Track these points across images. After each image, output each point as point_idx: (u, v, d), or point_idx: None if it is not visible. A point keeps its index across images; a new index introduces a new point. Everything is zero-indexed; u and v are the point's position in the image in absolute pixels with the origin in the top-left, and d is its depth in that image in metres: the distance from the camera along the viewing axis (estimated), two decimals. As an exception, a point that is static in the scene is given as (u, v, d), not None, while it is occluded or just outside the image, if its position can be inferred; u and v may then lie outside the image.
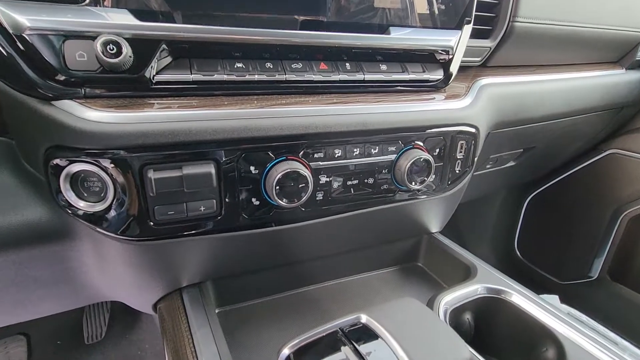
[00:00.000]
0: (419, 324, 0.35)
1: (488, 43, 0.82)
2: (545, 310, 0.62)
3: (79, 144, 0.47)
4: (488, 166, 1.08)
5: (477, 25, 0.76)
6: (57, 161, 0.48)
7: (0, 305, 0.65)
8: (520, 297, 0.65)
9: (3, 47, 0.45)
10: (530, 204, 1.65)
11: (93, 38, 0.46)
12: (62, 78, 0.47)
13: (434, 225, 0.86)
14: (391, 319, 0.35)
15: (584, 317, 0.65)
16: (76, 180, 0.50)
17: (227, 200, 0.56)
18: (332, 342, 0.33)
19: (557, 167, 1.48)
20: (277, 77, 0.58)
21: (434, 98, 0.70)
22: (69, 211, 0.51)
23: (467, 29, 0.69)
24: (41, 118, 0.48)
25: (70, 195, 0.50)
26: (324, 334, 0.34)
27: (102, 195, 0.51)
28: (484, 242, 1.73)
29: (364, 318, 0.35)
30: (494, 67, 0.90)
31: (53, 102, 0.48)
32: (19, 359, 1.00)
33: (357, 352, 0.32)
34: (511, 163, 1.17)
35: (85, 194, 0.51)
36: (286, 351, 0.33)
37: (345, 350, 0.32)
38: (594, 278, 1.47)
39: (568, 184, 1.50)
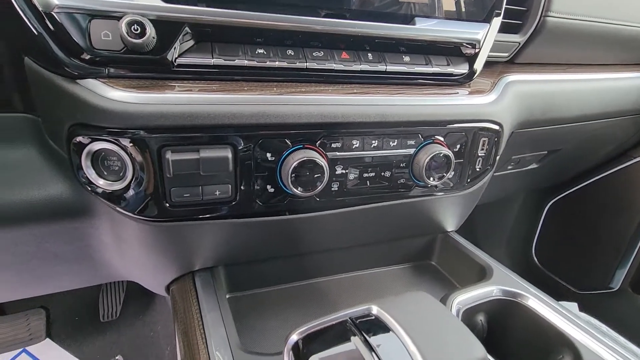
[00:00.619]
0: (431, 319, 0.35)
1: (517, 38, 0.79)
2: (563, 316, 0.60)
3: (101, 123, 0.48)
4: (509, 167, 1.04)
5: (507, 18, 0.73)
6: (79, 139, 0.49)
7: (23, 278, 0.68)
8: (538, 302, 0.63)
9: (32, 25, 0.46)
10: (551, 209, 1.59)
11: (118, 18, 0.47)
12: (87, 57, 0.48)
13: (450, 224, 0.84)
14: (403, 312, 0.34)
15: (604, 327, 0.62)
16: (97, 159, 0.51)
17: (242, 186, 0.56)
18: (341, 332, 0.33)
19: (581, 172, 1.43)
20: (298, 64, 0.57)
21: (457, 93, 0.68)
22: (89, 188, 0.52)
23: (496, 22, 0.67)
24: (66, 96, 0.49)
25: (90, 173, 0.51)
26: (334, 323, 0.34)
27: (121, 174, 0.51)
28: (500, 245, 1.68)
29: (375, 309, 0.35)
30: (522, 64, 0.86)
31: (78, 81, 0.49)
32: (39, 331, 1.05)
33: (367, 343, 0.31)
34: (534, 165, 1.13)
35: (105, 173, 0.52)
36: (294, 337, 0.33)
37: (355, 340, 0.32)
38: (615, 289, 1.41)
39: (593, 191, 1.44)
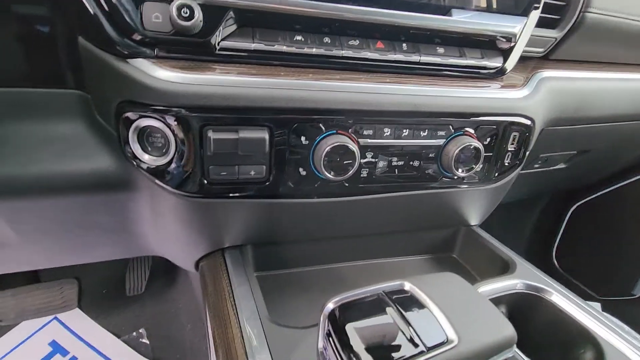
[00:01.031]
0: (462, 298, 0.36)
1: (554, 33, 0.78)
2: (586, 312, 0.60)
3: (148, 100, 0.51)
4: (536, 165, 1.03)
5: (545, 13, 0.72)
6: (127, 115, 0.52)
7: (65, 246, 0.72)
8: (561, 298, 0.63)
9: (89, 6, 0.49)
10: (576, 212, 1.56)
11: (169, 1, 0.49)
12: (138, 37, 0.51)
13: (474, 217, 0.84)
14: (435, 289, 0.36)
15: (626, 328, 0.62)
16: (142, 135, 0.54)
17: (276, 167, 0.58)
18: (376, 303, 0.35)
19: (609, 176, 1.39)
20: (334, 52, 0.59)
21: (490, 86, 0.68)
22: (134, 163, 0.55)
23: (534, 16, 0.66)
24: (116, 74, 0.52)
25: (136, 148, 0.54)
26: (368, 295, 0.35)
27: (164, 150, 0.54)
28: (519, 246, 1.66)
29: (408, 285, 0.36)
30: (556, 61, 0.85)
31: (128, 60, 0.52)
32: (71, 300, 1.11)
33: (402, 316, 0.33)
34: (561, 165, 1.11)
35: (150, 148, 0.55)
36: (331, 305, 0.34)
37: (390, 311, 0.33)
38: (637, 296, 1.38)
39: (619, 196, 1.40)
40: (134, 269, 1.35)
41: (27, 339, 1.24)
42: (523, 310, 0.65)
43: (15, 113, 0.55)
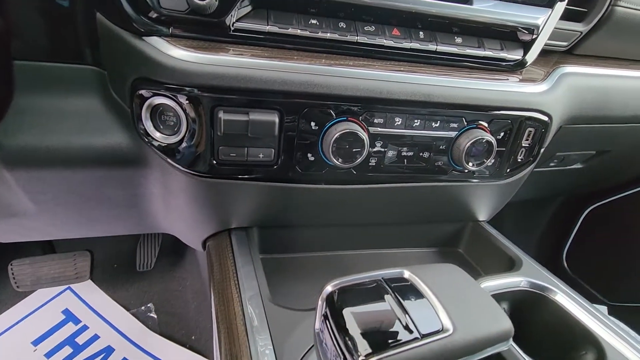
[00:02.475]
0: (461, 290, 0.36)
1: (580, 27, 0.75)
2: (590, 314, 0.59)
3: (162, 78, 0.52)
4: (552, 164, 1.01)
5: (571, 5, 0.70)
6: (141, 92, 0.53)
7: (80, 218, 0.75)
8: (566, 298, 0.62)
9: (107, -19, 0.50)
10: (590, 215, 1.52)
11: (185, -21, 0.49)
12: (154, 15, 0.51)
13: (483, 213, 0.83)
14: (434, 279, 0.36)
15: (632, 333, 0.61)
16: (155, 113, 0.55)
17: (284, 151, 0.58)
18: (374, 289, 0.35)
19: (628, 179, 1.35)
20: (349, 37, 0.58)
21: (507, 79, 0.67)
22: (146, 140, 0.56)
23: (559, 7, 0.64)
24: (132, 51, 0.53)
25: (148, 125, 0.55)
26: (367, 280, 0.36)
27: (176, 129, 0.55)
28: (530, 245, 1.64)
29: (407, 274, 0.36)
30: (580, 56, 0.82)
31: (144, 38, 0.53)
32: (84, 271, 1.15)
33: (400, 304, 0.33)
34: (578, 165, 1.08)
35: (162, 127, 0.55)
36: (329, 288, 0.35)
37: (389, 299, 0.34)
38: (648, 304, 1.35)
39: (637, 201, 1.36)
40: (144, 245, 1.39)
41: (42, 305, 1.29)
42: (526, 308, 0.65)
43: (35, 86, 0.56)
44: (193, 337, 1.27)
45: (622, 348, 0.54)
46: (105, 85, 0.59)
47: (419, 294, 0.34)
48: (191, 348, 1.24)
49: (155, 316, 1.31)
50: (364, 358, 0.29)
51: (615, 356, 0.53)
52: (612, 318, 0.61)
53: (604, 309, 1.01)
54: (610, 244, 1.45)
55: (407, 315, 0.33)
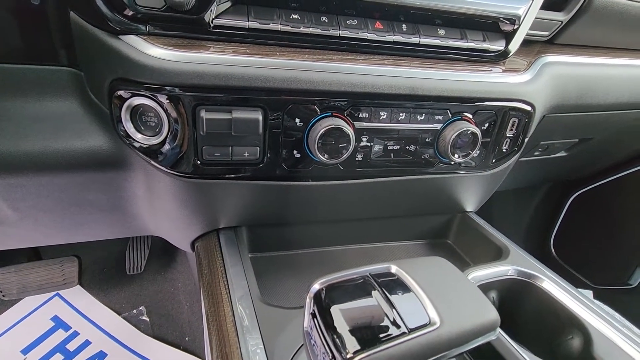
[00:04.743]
0: (448, 282, 0.36)
1: (560, 16, 0.75)
2: (576, 299, 0.60)
3: (140, 78, 0.50)
4: (536, 153, 1.02)
5: (551, -6, 0.70)
6: (120, 93, 0.52)
7: (62, 224, 0.73)
8: (552, 285, 0.64)
9: (80, -21, 0.48)
10: (575, 202, 1.56)
11: (160, -25, 0.48)
12: (129, 13, 0.50)
13: (470, 204, 0.84)
14: (420, 273, 0.36)
15: (617, 315, 0.62)
16: (135, 114, 0.53)
17: (270, 149, 0.58)
18: (362, 285, 0.35)
19: (610, 166, 1.38)
20: (331, 32, 0.58)
21: (491, 70, 0.67)
22: (127, 141, 0.55)
23: (540, -3, 0.64)
24: (109, 51, 0.51)
25: (129, 127, 0.53)
26: (355, 277, 0.35)
27: (158, 130, 0.54)
28: (517, 234, 1.67)
29: (394, 269, 0.36)
30: (561, 45, 0.83)
31: (120, 37, 0.51)
32: (72, 277, 1.13)
33: (387, 299, 0.33)
34: (562, 153, 1.10)
35: (143, 128, 0.54)
36: (317, 286, 0.35)
37: (376, 294, 0.34)
38: (632, 286, 1.39)
39: (619, 186, 1.39)
40: (134, 248, 1.37)
41: (30, 313, 1.27)
42: (514, 296, 0.66)
43: (7, 89, 0.54)
44: (187, 339, 1.26)
45: (607, 331, 0.56)
46: (83, 86, 0.58)
47: (406, 289, 0.35)
48: (185, 349, 1.23)
49: (148, 319, 1.30)
50: (352, 355, 0.29)
51: (600, 339, 0.55)
52: (597, 302, 0.62)
53: (589, 293, 1.04)
54: (595, 228, 1.49)
55: (394, 310, 0.33)
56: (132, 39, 0.51)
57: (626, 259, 1.37)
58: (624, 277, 1.38)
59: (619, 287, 1.40)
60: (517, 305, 0.65)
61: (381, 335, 0.31)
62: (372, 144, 0.62)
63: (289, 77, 0.54)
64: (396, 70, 0.59)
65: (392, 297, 0.34)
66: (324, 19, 0.57)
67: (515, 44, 0.67)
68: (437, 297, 0.34)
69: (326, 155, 0.57)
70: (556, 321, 0.60)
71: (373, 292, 0.34)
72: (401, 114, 0.61)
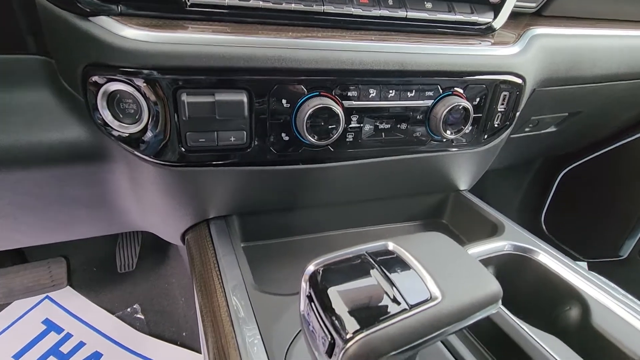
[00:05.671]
0: (446, 256, 0.35)
1: (547, -14, 0.74)
2: (573, 271, 0.60)
3: (114, 62, 0.48)
4: (527, 129, 1.02)
5: (538, -37, 0.68)
6: (94, 78, 0.49)
7: (45, 223, 0.70)
8: (548, 257, 0.63)
9: (42, -43, 0.45)
10: (565, 177, 1.57)
11: (130, -52, 0.45)
12: (98, -8, 0.47)
13: (463, 182, 0.83)
14: (419, 248, 0.35)
15: (612, 284, 0.63)
16: (113, 100, 0.50)
17: (257, 133, 0.55)
18: (359, 265, 0.33)
19: (599, 139, 1.39)
20: (315, 7, 0.55)
21: (480, 43, 0.65)
22: (105, 130, 0.52)
23: (527, -35, 0.63)
24: (79, 34, 0.48)
25: (106, 115, 0.51)
26: (351, 256, 0.34)
27: (137, 117, 0.51)
28: (509, 211, 1.68)
29: (391, 245, 0.35)
30: (550, 17, 0.82)
31: (91, 19, 0.48)
32: (61, 278, 1.10)
33: (386, 277, 0.32)
34: (552, 128, 1.10)
35: (121, 115, 0.51)
36: (312, 267, 0.33)
37: (374, 273, 0.32)
38: (623, 257, 1.42)
39: (608, 159, 1.41)
40: (124, 245, 1.34)
41: (20, 318, 1.24)
42: (511, 270, 0.66)
43: None
44: (184, 334, 1.25)
45: (605, 300, 0.56)
46: (55, 75, 0.55)
47: (405, 265, 0.33)
48: (182, 345, 1.22)
49: (143, 317, 1.28)
50: (352, 335, 0.28)
51: (598, 308, 0.55)
52: (593, 273, 0.63)
53: (584, 265, 1.05)
54: (585, 203, 1.50)
55: (394, 288, 0.31)
56: (104, 20, 0.48)
57: (616, 230, 1.40)
58: (615, 248, 1.41)
59: (610, 259, 1.43)
60: (515, 279, 0.65)
61: (381, 314, 0.30)
62: (362, 123, 0.60)
63: (273, 56, 0.51)
64: (384, 45, 0.57)
65: (392, 275, 0.33)
66: (307, -7, 0.54)
67: (503, 16, 0.66)
68: (437, 271, 0.33)
69: (316, 137, 0.55)
70: (554, 293, 0.60)
71: (371, 271, 0.33)
72: (391, 91, 0.59)
